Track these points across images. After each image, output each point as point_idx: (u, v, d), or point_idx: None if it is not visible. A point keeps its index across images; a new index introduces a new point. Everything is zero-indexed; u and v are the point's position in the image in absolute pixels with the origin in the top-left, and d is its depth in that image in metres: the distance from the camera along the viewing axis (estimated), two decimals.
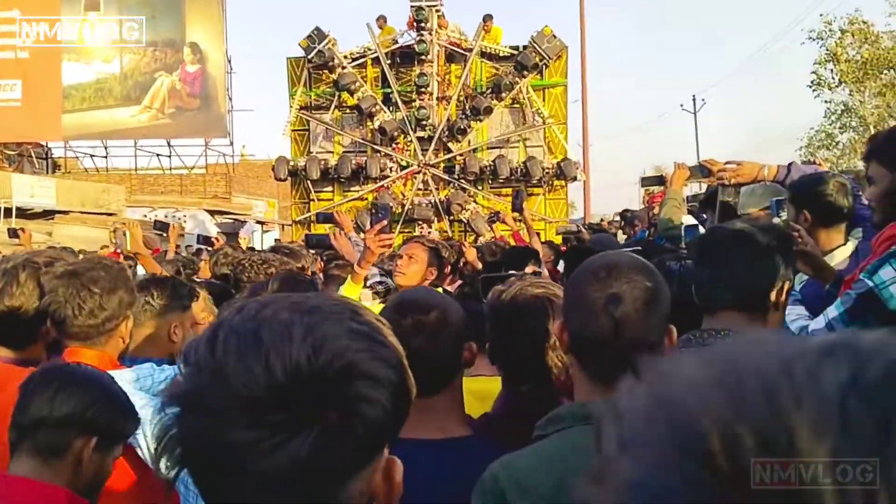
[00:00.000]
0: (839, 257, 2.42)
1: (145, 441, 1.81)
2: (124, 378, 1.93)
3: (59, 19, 24.45)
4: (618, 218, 8.57)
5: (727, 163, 3.00)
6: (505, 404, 1.97)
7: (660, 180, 5.33)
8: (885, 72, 20.97)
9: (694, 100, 34.43)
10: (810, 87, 22.10)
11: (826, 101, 22.32)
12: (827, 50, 21.44)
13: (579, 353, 1.39)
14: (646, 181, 4.81)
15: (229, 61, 25.26)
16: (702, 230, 3.96)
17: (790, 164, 2.91)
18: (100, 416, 1.58)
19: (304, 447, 0.63)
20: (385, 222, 3.11)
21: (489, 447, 1.55)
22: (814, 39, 21.55)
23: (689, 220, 3.81)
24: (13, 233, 6.06)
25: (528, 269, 2.83)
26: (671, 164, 3.90)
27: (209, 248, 5.44)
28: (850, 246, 2.47)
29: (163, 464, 1.75)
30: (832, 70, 21.61)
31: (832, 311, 2.11)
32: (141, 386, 1.98)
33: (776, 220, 2.31)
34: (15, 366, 2.10)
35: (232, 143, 26.08)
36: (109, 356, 2.04)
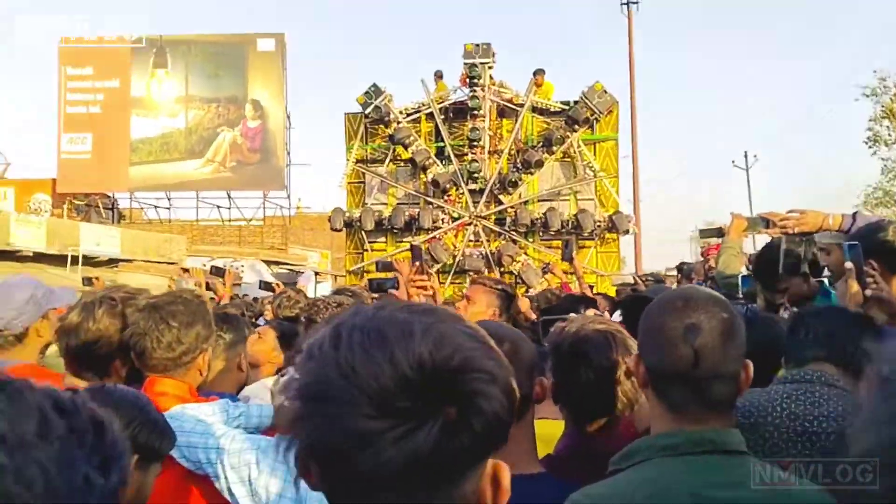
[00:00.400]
0: None
1: (223, 470, 1.85)
2: (204, 411, 2.00)
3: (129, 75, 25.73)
4: (674, 272, 8.48)
5: (790, 211, 2.98)
6: (568, 444, 1.96)
7: (718, 232, 5.28)
8: None
9: (746, 156, 33.98)
10: (866, 143, 21.73)
11: (883, 159, 21.90)
12: (882, 107, 21.11)
13: (656, 384, 1.40)
14: (704, 233, 4.79)
15: (288, 117, 26.19)
16: None
17: (855, 214, 2.88)
18: (138, 434, 1.60)
19: (429, 438, 0.66)
20: (417, 264, 3.11)
21: (560, 485, 1.55)
22: (868, 96, 21.30)
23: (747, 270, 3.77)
24: (88, 281, 6.37)
25: (589, 312, 2.83)
26: (723, 220, 3.88)
27: (271, 293, 5.59)
28: None
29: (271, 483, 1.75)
30: (888, 127, 21.23)
31: None
32: (218, 419, 2.04)
33: (848, 265, 2.29)
34: None
35: (289, 196, 26.86)
36: (189, 386, 2.12)
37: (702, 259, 6.24)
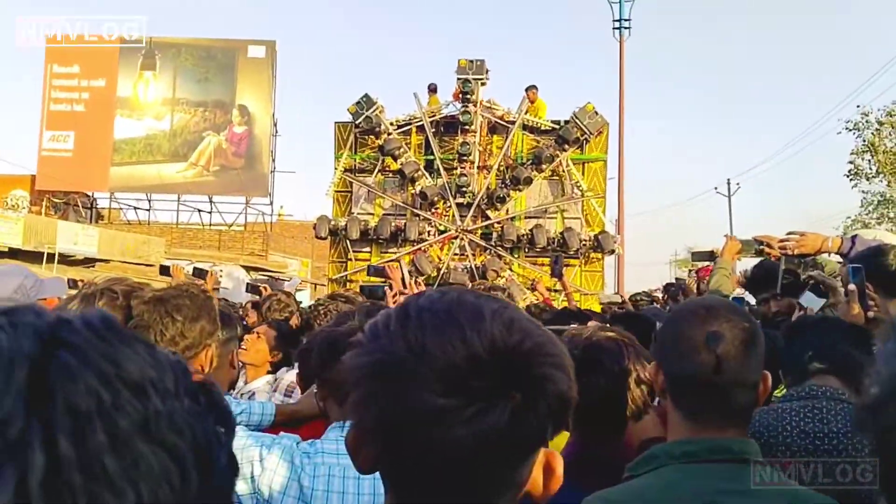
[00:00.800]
0: None
1: None
2: None
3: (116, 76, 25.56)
4: (658, 292, 8.53)
5: (789, 233, 3.03)
6: (574, 451, 1.95)
7: (710, 255, 5.33)
8: None
9: (728, 183, 34.51)
10: (847, 176, 22.14)
11: (863, 192, 22.31)
12: (864, 141, 21.54)
13: (675, 392, 1.41)
14: (696, 255, 4.83)
15: (275, 124, 26.10)
16: (750, 300, 3.96)
17: (854, 237, 2.93)
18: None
19: (501, 419, 0.66)
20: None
21: (573, 489, 1.54)
22: (850, 130, 21.72)
23: (739, 291, 3.82)
24: (73, 283, 6.24)
25: (591, 324, 2.84)
26: (703, 245, 3.94)
27: (258, 296, 5.55)
28: None
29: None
30: (870, 161, 21.66)
31: None
32: None
33: (851, 287, 2.32)
34: None
35: (272, 203, 26.72)
36: None
37: (695, 279, 6.27)
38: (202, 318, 2.10)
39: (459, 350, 0.67)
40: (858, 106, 23.10)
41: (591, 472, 1.62)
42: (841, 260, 2.99)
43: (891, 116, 21.04)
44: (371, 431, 0.71)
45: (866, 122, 21.36)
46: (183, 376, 0.46)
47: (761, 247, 3.24)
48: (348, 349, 0.75)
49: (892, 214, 21.95)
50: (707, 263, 5.28)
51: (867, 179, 21.91)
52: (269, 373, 3.58)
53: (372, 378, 0.70)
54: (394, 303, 3.75)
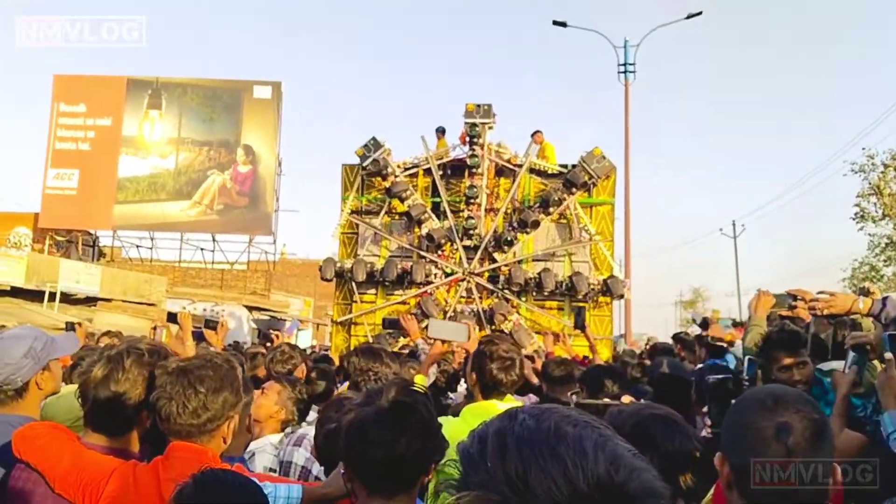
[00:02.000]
0: None
1: None
2: None
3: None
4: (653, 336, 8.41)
5: (820, 293, 2.96)
6: None
7: (704, 323, 5.26)
8: None
9: (734, 225, 34.60)
10: (853, 219, 22.12)
11: (870, 235, 22.26)
12: (869, 183, 21.59)
13: (742, 484, 1.33)
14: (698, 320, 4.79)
15: (280, 164, 26.23)
16: None
17: (885, 299, 2.87)
18: None
19: None
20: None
21: None
22: (856, 172, 21.77)
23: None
24: (70, 326, 6.20)
25: (625, 399, 2.76)
26: (709, 286, 3.90)
27: (268, 345, 5.47)
28: None
29: None
30: (875, 203, 21.68)
31: None
32: None
33: (888, 356, 2.25)
34: (115, 457, 2.07)
35: (275, 242, 26.71)
36: (212, 453, 2.01)
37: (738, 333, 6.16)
38: (225, 389, 2.03)
39: (563, 489, 0.64)
40: (864, 148, 23.21)
41: None
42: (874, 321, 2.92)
43: (895, 160, 21.12)
44: None
45: (872, 164, 21.46)
46: None
47: (795, 302, 3.18)
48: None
49: None
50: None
51: (873, 222, 21.90)
52: (282, 428, 3.48)
53: None
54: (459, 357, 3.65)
